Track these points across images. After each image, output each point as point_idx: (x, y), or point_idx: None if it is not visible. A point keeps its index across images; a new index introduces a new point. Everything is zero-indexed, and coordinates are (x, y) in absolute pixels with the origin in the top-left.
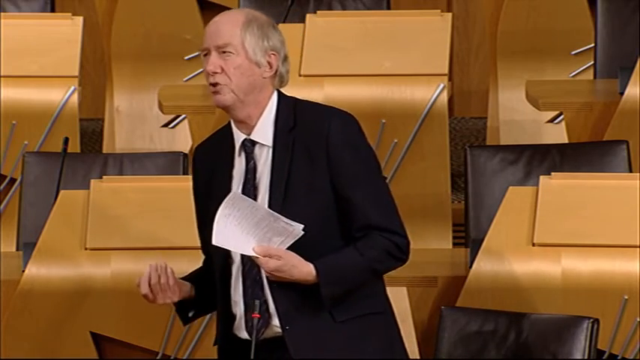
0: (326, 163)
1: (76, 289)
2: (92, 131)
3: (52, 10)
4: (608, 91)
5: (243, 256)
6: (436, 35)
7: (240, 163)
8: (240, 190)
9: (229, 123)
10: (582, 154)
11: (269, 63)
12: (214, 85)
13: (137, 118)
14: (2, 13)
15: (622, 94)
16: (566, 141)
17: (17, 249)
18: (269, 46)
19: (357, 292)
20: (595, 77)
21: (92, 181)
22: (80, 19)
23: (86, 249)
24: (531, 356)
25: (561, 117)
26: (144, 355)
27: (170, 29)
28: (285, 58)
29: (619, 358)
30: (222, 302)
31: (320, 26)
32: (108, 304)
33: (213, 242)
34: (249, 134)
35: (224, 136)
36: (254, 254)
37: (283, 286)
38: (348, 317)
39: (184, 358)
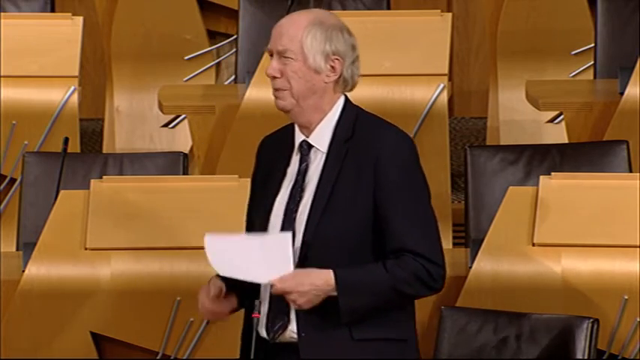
0: (372, 179)
1: (76, 289)
2: (92, 131)
3: (52, 10)
4: (608, 91)
5: None
6: (436, 35)
7: (295, 163)
8: (289, 190)
9: None
10: (582, 154)
11: (332, 67)
12: (275, 89)
13: (137, 118)
14: (2, 13)
15: (622, 94)
16: (566, 141)
17: (17, 249)
18: (332, 51)
19: (382, 314)
20: (595, 77)
21: (92, 181)
22: (80, 19)
23: (86, 249)
24: (531, 356)
25: (561, 117)
26: (144, 355)
27: (170, 29)
28: (354, 62)
29: (619, 358)
30: (251, 298)
31: None
32: (108, 304)
33: (222, 274)
34: (308, 136)
35: (289, 132)
36: (268, 282)
37: None
38: (367, 337)
39: (184, 358)
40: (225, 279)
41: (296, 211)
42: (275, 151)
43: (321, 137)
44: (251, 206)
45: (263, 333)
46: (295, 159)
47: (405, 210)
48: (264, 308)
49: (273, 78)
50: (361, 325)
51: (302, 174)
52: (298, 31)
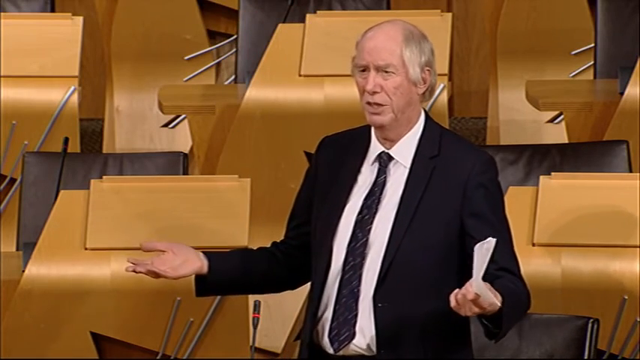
0: (461, 199)
1: (76, 289)
2: (92, 131)
3: (52, 10)
4: (608, 91)
5: (345, 263)
6: (436, 35)
7: (370, 173)
8: (362, 200)
9: (368, 127)
10: (582, 154)
11: (423, 79)
12: (371, 104)
13: (137, 118)
14: (2, 13)
15: (622, 94)
16: (566, 141)
17: (17, 249)
18: (424, 62)
19: (455, 335)
20: (595, 77)
21: (92, 181)
22: (80, 19)
23: (86, 249)
24: (531, 356)
25: (561, 117)
26: (144, 355)
27: (170, 29)
28: (435, 69)
29: (619, 358)
30: (312, 301)
31: (320, 26)
32: (108, 304)
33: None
34: (388, 148)
35: (360, 137)
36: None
37: (391, 312)
38: (441, 358)
39: (184, 358)
40: (216, 260)
41: (371, 222)
42: (342, 154)
43: (404, 151)
44: (301, 207)
45: (325, 343)
46: (370, 168)
47: (496, 232)
48: (328, 314)
49: (373, 93)
50: (435, 346)
51: (380, 186)
52: (397, 45)
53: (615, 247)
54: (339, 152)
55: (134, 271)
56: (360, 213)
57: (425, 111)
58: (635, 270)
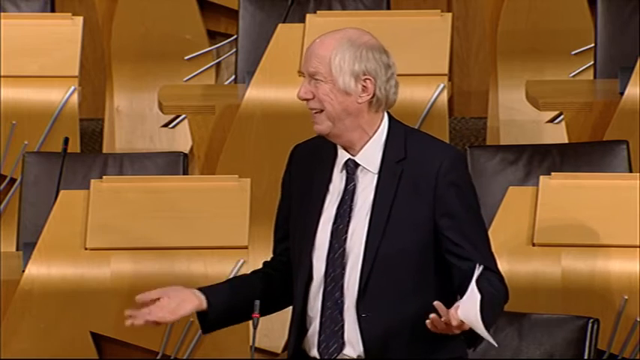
0: (432, 199)
1: (76, 289)
2: (92, 131)
3: (52, 10)
4: (608, 91)
5: (326, 274)
6: (436, 35)
7: (339, 181)
8: (335, 209)
9: None
10: (582, 154)
11: (364, 87)
12: (311, 110)
13: (137, 118)
14: (2, 13)
15: (622, 94)
16: (566, 141)
17: (17, 249)
18: (362, 71)
19: (442, 335)
20: (595, 77)
21: (92, 181)
22: (80, 19)
23: (86, 249)
24: (531, 356)
25: (561, 117)
26: (144, 355)
27: (170, 29)
28: (388, 80)
29: (619, 358)
30: (297, 315)
31: (320, 26)
32: (108, 304)
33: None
34: (354, 155)
35: (327, 144)
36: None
37: (375, 320)
38: (431, 358)
39: (184, 358)
40: (215, 294)
41: (346, 232)
42: (312, 163)
43: (370, 157)
44: (282, 220)
45: (314, 353)
46: (339, 176)
47: (471, 229)
48: (314, 327)
49: (305, 100)
50: (424, 347)
51: (350, 194)
52: (327, 52)
53: (615, 247)
54: (310, 161)
55: (133, 324)
56: (334, 222)
57: (389, 113)
58: (635, 270)
